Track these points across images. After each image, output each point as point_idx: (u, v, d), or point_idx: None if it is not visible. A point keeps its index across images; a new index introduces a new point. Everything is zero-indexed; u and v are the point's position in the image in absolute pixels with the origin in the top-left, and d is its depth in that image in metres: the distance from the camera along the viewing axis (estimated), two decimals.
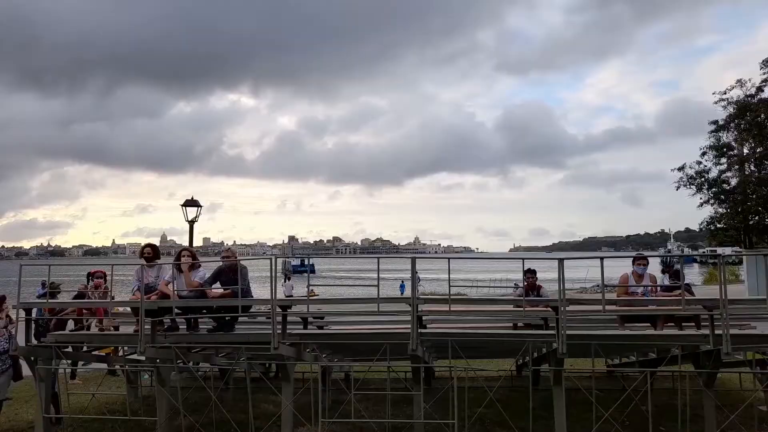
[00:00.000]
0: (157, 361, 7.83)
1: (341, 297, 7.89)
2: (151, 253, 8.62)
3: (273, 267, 7.12)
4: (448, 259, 7.34)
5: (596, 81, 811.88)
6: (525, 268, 10.07)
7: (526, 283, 10.08)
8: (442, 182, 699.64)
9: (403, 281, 45.43)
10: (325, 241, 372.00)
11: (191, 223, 14.33)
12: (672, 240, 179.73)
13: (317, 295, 38.78)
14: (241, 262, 8.50)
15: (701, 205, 30.53)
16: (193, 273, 8.37)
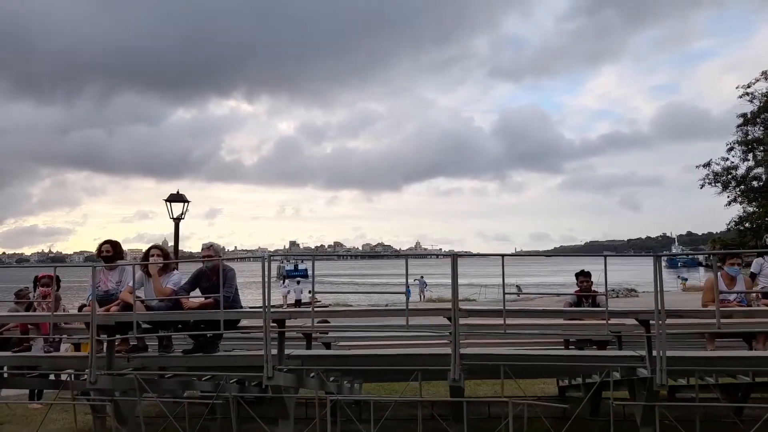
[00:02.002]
0: (116, 393, 6.00)
1: (361, 307, 5.94)
2: (111, 252, 6.81)
3: (266, 270, 5.30)
4: (502, 256, 5.49)
5: (596, 86, 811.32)
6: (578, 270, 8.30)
7: (578, 289, 8.27)
8: (441, 187, 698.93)
9: (408, 286, 43.57)
10: (326, 247, 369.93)
11: (176, 220, 12.50)
12: (676, 243, 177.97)
13: (319, 302, 37.43)
14: (227, 262, 6.70)
15: (729, 204, 28.61)
16: (165, 277, 6.56)
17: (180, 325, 6.42)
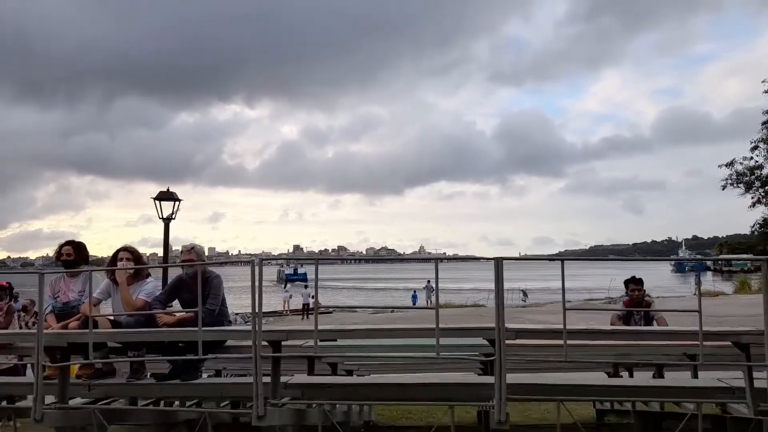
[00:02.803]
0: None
1: (378, 326, 4.71)
2: (72, 255, 5.64)
3: (256, 275, 4.12)
4: (562, 261, 4.29)
5: (599, 89, 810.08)
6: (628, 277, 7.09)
7: (627, 299, 7.07)
8: (443, 191, 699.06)
9: (415, 291, 42.10)
10: (330, 250, 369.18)
11: (166, 221, 11.32)
12: (683, 247, 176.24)
13: (330, 312, 36.16)
14: (214, 268, 5.54)
15: (753, 205, 27.25)
16: (137, 286, 5.39)
17: (154, 346, 5.24)
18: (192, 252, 5.39)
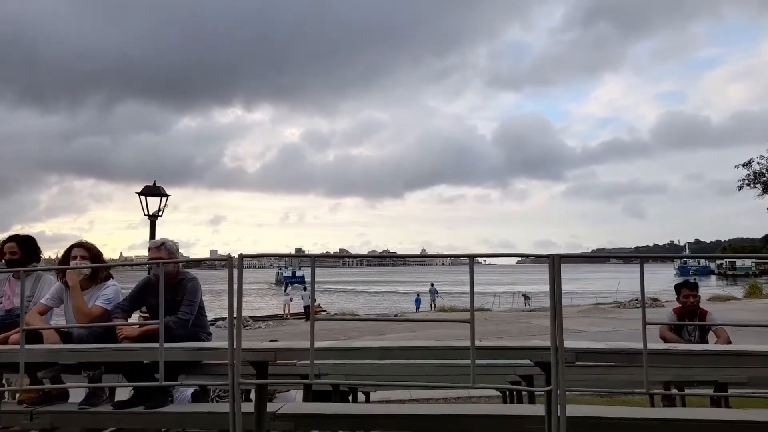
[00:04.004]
0: None
1: (396, 344, 3.64)
2: (17, 254, 4.65)
3: (234, 277, 3.13)
4: (641, 258, 3.28)
5: (601, 94, 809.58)
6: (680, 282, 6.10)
7: (679, 307, 6.04)
8: (443, 194, 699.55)
9: (418, 294, 40.98)
10: (332, 253, 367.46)
11: (152, 218, 10.31)
12: (687, 251, 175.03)
13: (325, 311, 35.17)
14: (188, 269, 4.55)
15: None
16: (94, 291, 4.40)
17: (115, 365, 4.24)
18: (162, 249, 4.38)
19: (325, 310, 34.84)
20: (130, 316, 4.40)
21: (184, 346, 3.50)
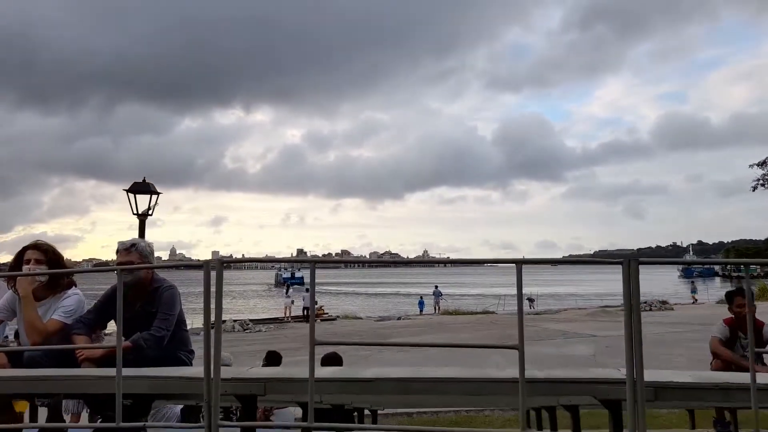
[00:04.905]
0: None
1: (426, 375, 2.97)
2: None
3: (211, 282, 2.40)
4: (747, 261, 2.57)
5: (601, 95, 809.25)
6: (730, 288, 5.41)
7: (732, 317, 5.31)
8: (444, 195, 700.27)
9: (422, 297, 40.12)
10: (333, 254, 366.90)
11: (142, 217, 9.59)
12: (691, 253, 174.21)
13: (327, 314, 34.33)
14: (166, 275, 3.84)
15: None
16: (52, 302, 3.68)
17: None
18: (132, 251, 3.65)
19: (327, 313, 34.09)
20: (95, 333, 3.68)
21: (149, 375, 2.77)
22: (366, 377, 2.56)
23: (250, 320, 29.16)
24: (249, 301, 58.95)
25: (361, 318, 33.58)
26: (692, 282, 50.06)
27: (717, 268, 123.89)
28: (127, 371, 2.80)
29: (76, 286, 3.80)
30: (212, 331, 2.45)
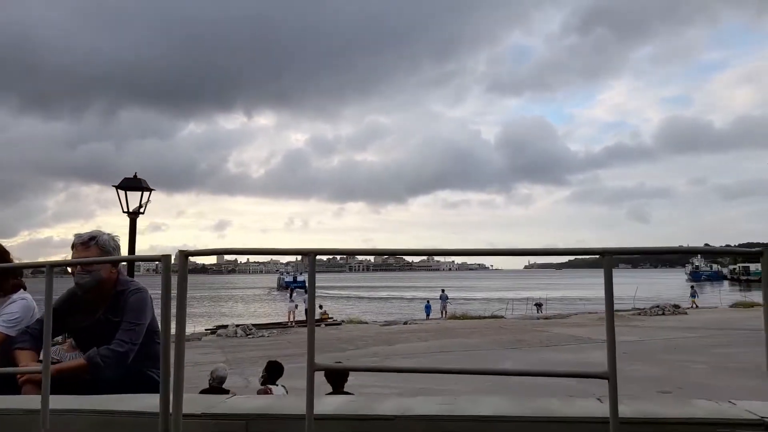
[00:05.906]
0: None
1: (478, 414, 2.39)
2: None
3: (170, 287, 1.69)
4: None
5: (604, 98, 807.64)
6: None
7: None
8: (448, 199, 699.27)
9: (428, 301, 39.29)
10: (338, 259, 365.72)
11: (133, 215, 8.90)
12: (699, 256, 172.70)
13: (331, 318, 33.62)
14: (124, 274, 3.15)
15: None
16: None
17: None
18: (91, 246, 2.94)
19: (332, 317, 33.39)
20: (39, 345, 2.98)
21: (91, 407, 2.05)
22: (385, 414, 1.85)
23: (253, 325, 28.49)
24: (250, 305, 58.11)
25: (366, 322, 32.82)
26: (692, 286, 49.07)
27: (725, 271, 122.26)
28: (65, 401, 2.10)
29: (24, 290, 3.10)
30: (172, 345, 1.73)
